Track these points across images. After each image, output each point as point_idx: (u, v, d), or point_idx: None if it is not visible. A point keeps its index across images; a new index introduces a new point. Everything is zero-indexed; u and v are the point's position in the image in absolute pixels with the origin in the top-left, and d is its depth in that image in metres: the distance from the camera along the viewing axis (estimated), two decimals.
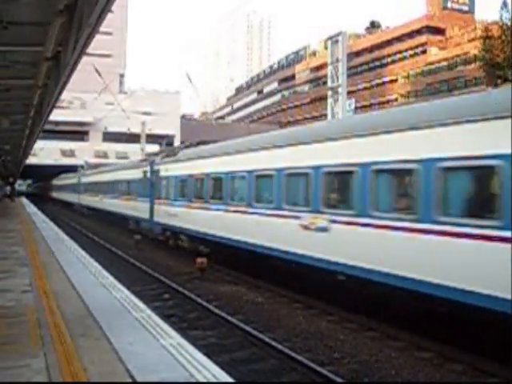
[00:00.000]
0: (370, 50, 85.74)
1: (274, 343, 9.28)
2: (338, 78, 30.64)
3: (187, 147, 21.67)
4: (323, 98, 64.03)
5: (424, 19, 78.17)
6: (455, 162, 8.28)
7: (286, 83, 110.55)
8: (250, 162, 14.73)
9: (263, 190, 14.29)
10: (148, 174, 24.79)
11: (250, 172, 14.58)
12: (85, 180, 46.96)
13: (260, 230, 13.88)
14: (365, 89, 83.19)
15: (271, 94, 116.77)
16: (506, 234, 7.32)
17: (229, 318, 11.10)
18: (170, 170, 21.62)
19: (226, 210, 15.80)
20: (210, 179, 17.48)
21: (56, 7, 7.66)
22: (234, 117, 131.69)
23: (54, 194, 72.04)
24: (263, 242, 13.51)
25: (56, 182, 70.78)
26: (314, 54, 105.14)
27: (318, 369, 8.05)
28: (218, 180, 16.90)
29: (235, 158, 15.71)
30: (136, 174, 27.32)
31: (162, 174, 22.55)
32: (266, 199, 13.92)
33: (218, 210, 16.45)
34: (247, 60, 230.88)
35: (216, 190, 17.11)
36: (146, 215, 24.43)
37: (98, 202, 39.01)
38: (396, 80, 79.08)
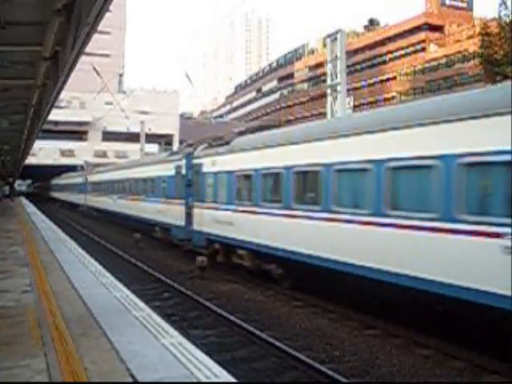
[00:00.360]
0: (369, 47, 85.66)
1: (274, 341, 9.28)
2: (336, 75, 30.64)
3: (242, 134, 17.60)
4: (322, 96, 64.02)
5: (422, 16, 78.11)
6: None
7: (284, 81, 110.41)
8: (380, 147, 9.88)
9: (408, 188, 9.56)
10: (183, 170, 20.00)
11: (379, 162, 9.73)
12: (94, 178, 42.40)
13: (401, 252, 9.33)
14: (364, 86, 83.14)
15: (270, 92, 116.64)
16: None
17: (229, 316, 11.09)
18: (220, 163, 16.74)
19: (327, 219, 11.22)
20: (293, 174, 12.57)
21: (54, 6, 7.65)
22: (233, 115, 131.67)
23: (56, 195, 70.54)
24: (411, 272, 8.92)
25: (58, 181, 68.42)
26: (312, 52, 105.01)
27: (319, 367, 8.05)
28: (309, 175, 12.31)
29: (345, 143, 10.95)
30: (165, 169, 22.54)
31: (207, 169, 17.69)
32: (417, 204, 9.24)
33: (308, 218, 11.89)
34: (246, 59, 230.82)
35: (306, 189, 12.71)
36: (180, 221, 19.86)
37: (112, 203, 34.36)
38: (395, 78, 79.05)
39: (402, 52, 79.41)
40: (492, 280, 7.57)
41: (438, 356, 8.75)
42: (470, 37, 61.71)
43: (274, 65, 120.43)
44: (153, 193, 24.69)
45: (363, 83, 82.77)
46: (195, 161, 18.93)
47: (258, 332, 9.90)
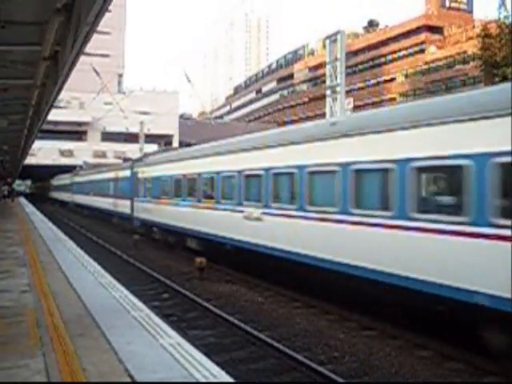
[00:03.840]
0: (369, 49, 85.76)
1: (273, 342, 9.27)
2: (336, 77, 30.62)
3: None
4: (322, 97, 64.02)
5: (422, 18, 78.19)
6: None
7: (284, 82, 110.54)
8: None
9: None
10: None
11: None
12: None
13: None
14: (363, 88, 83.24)
15: (270, 93, 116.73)
16: None
17: (228, 317, 11.09)
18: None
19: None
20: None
21: (54, 6, 7.64)
22: (233, 116, 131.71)
23: (55, 194, 70.91)
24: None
25: (59, 181, 66.89)
26: (312, 53, 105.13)
27: (318, 368, 8.04)
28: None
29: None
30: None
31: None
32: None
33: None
34: (245, 59, 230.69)
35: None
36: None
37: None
38: (394, 79, 79.14)
39: (402, 53, 79.52)
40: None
41: (436, 357, 8.75)
42: (470, 38, 61.80)
43: (274, 66, 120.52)
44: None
45: (362, 84, 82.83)
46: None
47: (256, 333, 9.90)
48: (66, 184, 58.29)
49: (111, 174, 34.63)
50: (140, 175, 25.74)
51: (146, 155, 28.82)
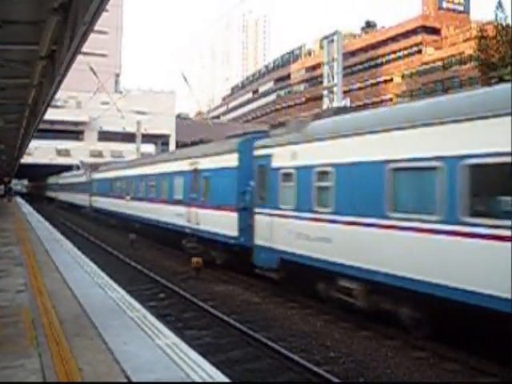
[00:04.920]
0: (366, 49, 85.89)
1: (269, 343, 9.27)
2: (333, 77, 30.70)
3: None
4: (318, 98, 64.13)
5: (419, 19, 78.39)
6: None
7: (281, 83, 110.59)
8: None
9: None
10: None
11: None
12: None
13: None
14: (360, 88, 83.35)
15: (266, 93, 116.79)
16: None
17: (224, 317, 11.08)
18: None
19: None
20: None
21: (51, 5, 7.62)
22: (230, 116, 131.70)
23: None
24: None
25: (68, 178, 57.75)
26: (309, 53, 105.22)
27: (314, 368, 8.04)
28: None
29: None
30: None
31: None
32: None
33: None
34: (243, 60, 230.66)
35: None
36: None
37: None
38: (391, 80, 79.27)
39: (399, 54, 79.68)
40: None
41: (433, 358, 8.75)
42: (467, 39, 61.95)
43: (271, 66, 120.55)
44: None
45: (360, 85, 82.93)
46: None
47: (252, 333, 9.90)
48: (81, 182, 45.80)
49: (180, 165, 20.34)
50: (283, 163, 12.74)
51: (306, 118, 14.20)
